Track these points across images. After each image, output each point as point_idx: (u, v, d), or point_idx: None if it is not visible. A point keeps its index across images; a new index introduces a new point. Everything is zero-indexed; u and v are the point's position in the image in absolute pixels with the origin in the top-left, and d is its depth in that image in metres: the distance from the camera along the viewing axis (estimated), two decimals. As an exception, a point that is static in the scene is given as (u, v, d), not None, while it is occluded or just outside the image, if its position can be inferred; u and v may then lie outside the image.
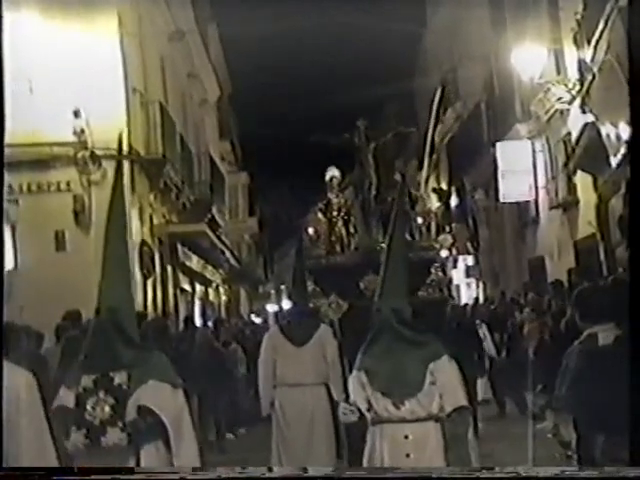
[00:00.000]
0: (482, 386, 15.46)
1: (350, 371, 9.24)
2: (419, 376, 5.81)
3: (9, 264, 16.56)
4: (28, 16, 16.77)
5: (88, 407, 5.55)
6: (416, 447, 5.78)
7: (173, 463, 5.61)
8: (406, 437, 5.79)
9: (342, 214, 17.01)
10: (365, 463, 5.93)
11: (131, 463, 5.54)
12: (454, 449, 5.77)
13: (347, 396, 6.10)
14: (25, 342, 9.00)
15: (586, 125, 16.26)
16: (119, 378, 5.59)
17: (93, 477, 5.32)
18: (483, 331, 15.56)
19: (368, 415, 5.86)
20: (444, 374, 5.87)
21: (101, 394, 5.56)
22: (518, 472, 5.06)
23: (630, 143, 3.96)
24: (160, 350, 12.34)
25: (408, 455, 5.77)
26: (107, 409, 5.53)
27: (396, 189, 16.26)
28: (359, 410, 5.87)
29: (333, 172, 17.34)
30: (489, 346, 15.46)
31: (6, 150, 19.03)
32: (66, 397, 5.64)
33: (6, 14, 17.27)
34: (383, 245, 16.12)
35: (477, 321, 16.16)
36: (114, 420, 5.51)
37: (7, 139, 18.22)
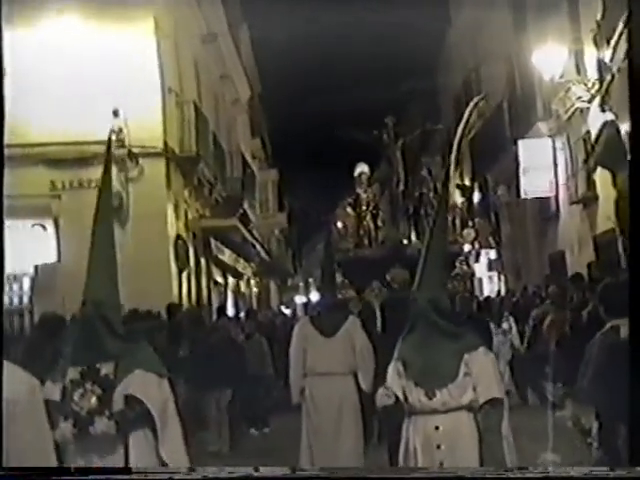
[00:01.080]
0: (505, 378, 15.42)
1: (377, 358, 9.31)
2: (453, 367, 5.66)
3: (52, 257, 16.74)
4: (70, 21, 16.96)
5: (75, 398, 5.54)
6: (447, 438, 5.65)
7: (159, 450, 5.61)
8: (437, 428, 5.67)
9: (370, 208, 17.04)
10: (401, 456, 5.81)
11: (120, 450, 5.54)
12: (487, 441, 5.63)
13: (384, 381, 5.98)
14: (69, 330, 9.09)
15: (605, 123, 16.19)
16: (106, 369, 5.59)
17: (91, 477, 5.27)
18: (509, 323, 15.52)
19: (405, 406, 5.74)
20: (479, 366, 5.70)
21: (88, 385, 5.56)
22: (548, 472, 4.90)
23: (631, 143, 3.84)
24: (192, 340, 12.37)
25: (439, 446, 5.65)
26: (94, 399, 5.52)
27: (424, 185, 16.32)
28: (396, 395, 5.75)
29: (362, 168, 17.37)
30: (514, 337, 15.40)
31: (49, 148, 19.21)
32: (51, 390, 5.60)
33: (50, 21, 17.47)
34: (410, 239, 16.27)
35: (505, 313, 16.11)
36: (101, 409, 5.51)
37: (50, 138, 18.31)
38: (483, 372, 5.71)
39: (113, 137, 16.57)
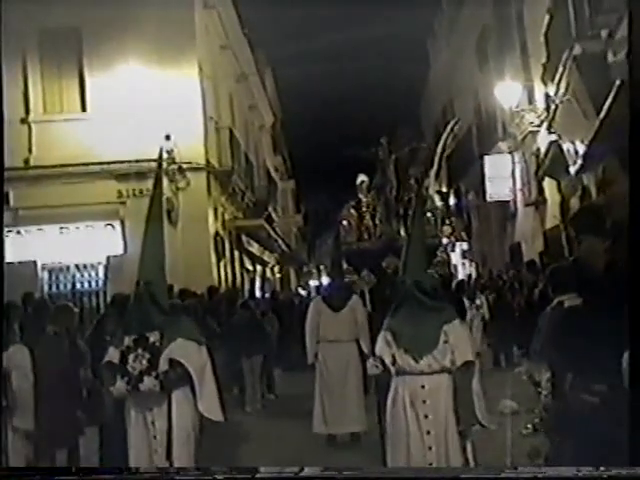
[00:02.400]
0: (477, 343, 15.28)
1: (376, 330, 9.29)
2: (435, 336, 5.57)
3: (120, 250, 16.83)
4: (133, 68, 17.14)
5: (130, 361, 5.50)
6: (431, 394, 5.59)
7: (197, 405, 5.54)
8: (422, 387, 5.59)
9: (369, 210, 17.05)
10: (389, 406, 5.72)
11: (164, 404, 5.47)
12: (461, 395, 5.56)
13: (374, 353, 5.80)
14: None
15: (551, 143, 16.19)
16: (153, 337, 5.53)
17: (93, 477, 4.89)
18: (481, 300, 15.43)
19: (392, 368, 5.65)
20: (455, 334, 5.61)
21: (140, 350, 5.51)
22: (544, 472, 4.53)
23: (629, 144, 3.70)
24: (227, 315, 12.25)
25: (424, 401, 5.58)
26: (144, 362, 5.47)
27: (412, 191, 16.36)
28: (383, 364, 5.67)
29: (362, 178, 17.39)
30: (485, 311, 15.30)
31: (118, 166, 19.11)
32: (113, 354, 5.61)
33: (119, 68, 17.44)
34: (401, 234, 16.27)
35: (477, 292, 16.02)
36: (150, 370, 5.45)
37: (118, 158, 18.13)
38: (459, 340, 5.64)
39: (165, 156, 16.64)
